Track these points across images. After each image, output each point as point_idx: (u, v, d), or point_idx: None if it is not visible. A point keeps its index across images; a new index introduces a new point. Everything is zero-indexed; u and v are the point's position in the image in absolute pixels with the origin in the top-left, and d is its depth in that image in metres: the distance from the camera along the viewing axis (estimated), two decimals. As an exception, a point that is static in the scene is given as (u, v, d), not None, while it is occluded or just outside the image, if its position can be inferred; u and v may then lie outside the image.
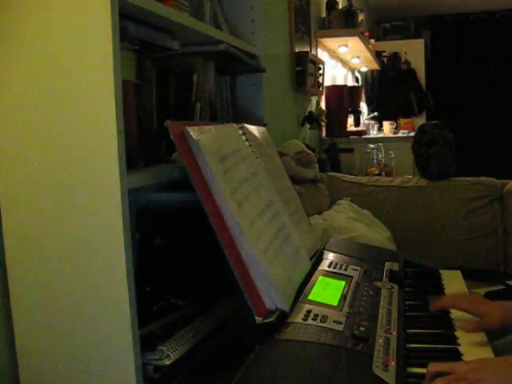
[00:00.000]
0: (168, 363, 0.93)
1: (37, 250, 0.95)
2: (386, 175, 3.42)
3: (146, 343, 0.94)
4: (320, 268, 1.26)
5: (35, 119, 0.93)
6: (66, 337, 0.95)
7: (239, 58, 1.53)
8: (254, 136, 1.29)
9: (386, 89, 6.22)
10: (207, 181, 0.97)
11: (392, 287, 1.24)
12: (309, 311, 1.01)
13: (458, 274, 1.46)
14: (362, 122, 4.36)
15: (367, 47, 4.25)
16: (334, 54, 4.27)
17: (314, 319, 0.98)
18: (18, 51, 0.93)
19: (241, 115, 1.73)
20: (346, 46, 3.95)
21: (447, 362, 0.92)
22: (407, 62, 6.25)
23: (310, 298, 1.07)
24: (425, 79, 6.29)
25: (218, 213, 0.97)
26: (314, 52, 3.56)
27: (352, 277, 1.23)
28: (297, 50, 3.13)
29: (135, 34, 1.07)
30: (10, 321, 0.99)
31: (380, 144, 3.59)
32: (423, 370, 0.89)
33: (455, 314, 1.13)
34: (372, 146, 3.55)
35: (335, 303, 1.06)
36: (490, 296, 1.89)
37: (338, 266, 1.29)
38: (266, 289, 0.97)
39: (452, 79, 6.91)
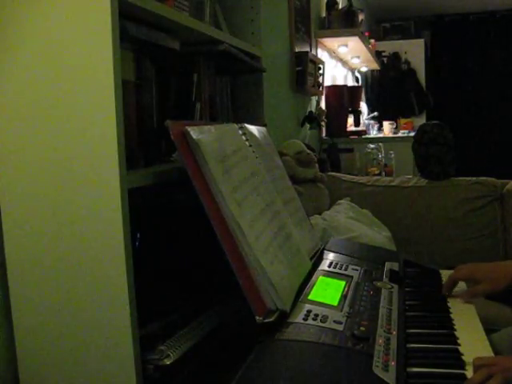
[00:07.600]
0: (168, 363, 0.92)
1: (37, 249, 0.95)
2: (386, 175, 3.42)
3: (146, 343, 0.94)
4: (320, 268, 1.26)
5: (35, 119, 0.93)
6: (65, 337, 0.95)
7: (239, 58, 1.53)
8: (254, 136, 1.29)
9: (386, 89, 6.23)
10: (207, 181, 0.97)
11: (392, 287, 1.24)
12: (309, 311, 1.01)
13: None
14: (362, 121, 4.37)
15: (367, 47, 4.25)
16: (333, 54, 4.27)
17: (314, 319, 0.98)
18: (18, 51, 0.93)
19: (241, 115, 1.73)
20: (346, 45, 3.95)
21: (447, 361, 0.92)
22: (407, 62, 6.26)
23: (310, 297, 1.07)
24: (425, 79, 6.30)
25: (218, 213, 0.97)
26: (314, 52, 3.56)
27: (352, 277, 1.23)
28: (297, 50, 3.13)
29: (135, 33, 1.07)
30: (9, 321, 0.99)
31: (380, 144, 3.60)
32: (423, 370, 0.89)
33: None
34: (372, 145, 3.55)
35: (335, 303, 1.06)
36: (489, 296, 1.89)
37: (338, 266, 1.29)
38: (266, 288, 0.96)
39: (452, 79, 6.92)
